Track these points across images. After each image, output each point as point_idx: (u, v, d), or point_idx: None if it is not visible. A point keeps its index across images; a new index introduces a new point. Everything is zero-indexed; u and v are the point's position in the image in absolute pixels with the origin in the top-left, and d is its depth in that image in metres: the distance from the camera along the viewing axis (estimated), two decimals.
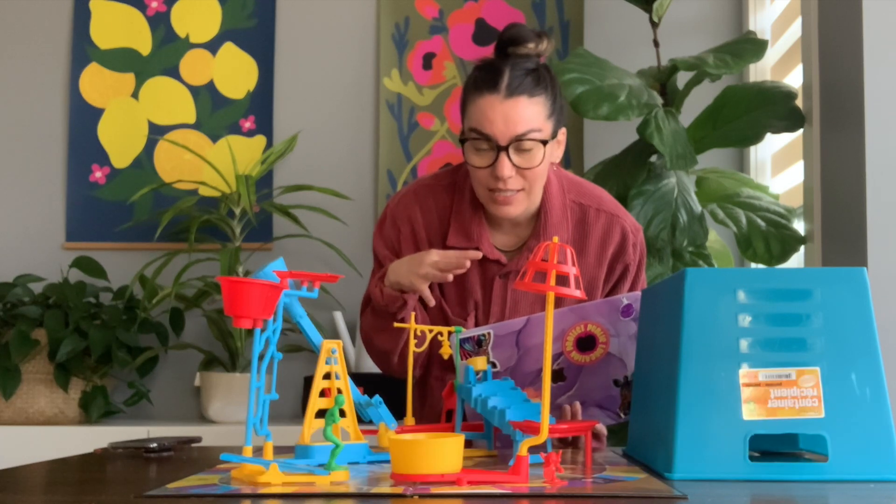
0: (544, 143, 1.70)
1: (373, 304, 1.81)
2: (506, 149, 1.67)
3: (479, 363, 1.40)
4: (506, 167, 1.68)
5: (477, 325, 1.79)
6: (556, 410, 1.62)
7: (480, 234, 1.79)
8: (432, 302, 1.73)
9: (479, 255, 1.68)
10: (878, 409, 1.16)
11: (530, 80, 1.69)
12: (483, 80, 1.70)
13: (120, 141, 3.17)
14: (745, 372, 1.16)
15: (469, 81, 1.74)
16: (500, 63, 1.71)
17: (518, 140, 1.67)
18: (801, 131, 2.50)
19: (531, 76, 1.70)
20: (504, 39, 1.73)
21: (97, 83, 3.18)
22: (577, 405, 1.61)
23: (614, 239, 1.82)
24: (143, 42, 3.20)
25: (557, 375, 1.60)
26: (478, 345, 1.56)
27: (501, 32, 1.75)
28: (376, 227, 1.90)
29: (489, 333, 1.57)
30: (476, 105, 1.70)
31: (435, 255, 1.67)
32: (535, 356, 1.58)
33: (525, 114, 1.68)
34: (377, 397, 1.40)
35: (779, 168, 2.82)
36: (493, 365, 1.57)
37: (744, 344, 1.18)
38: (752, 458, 1.15)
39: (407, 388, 1.49)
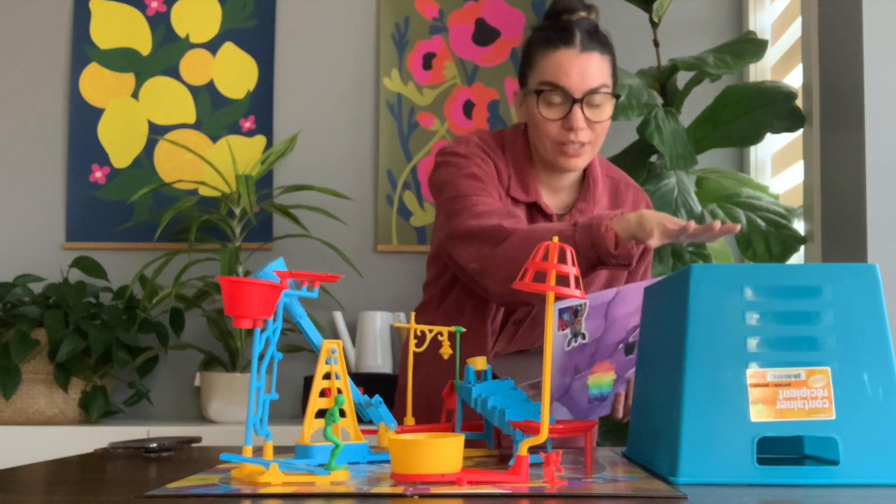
0: (616, 97, 1.81)
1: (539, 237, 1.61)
2: (580, 101, 1.76)
3: (479, 363, 1.40)
4: (579, 118, 1.77)
5: None
6: (624, 382, 1.67)
7: (537, 190, 1.87)
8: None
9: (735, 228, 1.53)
10: (891, 410, 1.11)
11: (598, 39, 1.80)
12: (556, 36, 1.79)
13: (120, 141, 3.16)
14: (752, 372, 1.13)
15: (536, 38, 1.82)
16: (567, 23, 1.80)
17: (592, 93, 1.77)
18: (801, 131, 2.50)
19: (598, 36, 1.81)
20: (557, 9, 1.83)
21: (97, 83, 3.18)
22: None
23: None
24: (143, 42, 3.20)
25: (630, 348, 1.63)
26: (574, 314, 1.57)
27: (553, 4, 1.85)
28: (446, 168, 1.84)
29: (585, 304, 1.57)
30: (550, 59, 1.78)
31: (689, 225, 1.53)
32: (618, 327, 1.60)
33: (599, 68, 1.78)
34: (377, 397, 1.40)
35: (779, 168, 2.82)
36: (583, 336, 1.58)
37: (751, 343, 1.13)
38: (759, 462, 1.11)
39: (407, 388, 1.49)
